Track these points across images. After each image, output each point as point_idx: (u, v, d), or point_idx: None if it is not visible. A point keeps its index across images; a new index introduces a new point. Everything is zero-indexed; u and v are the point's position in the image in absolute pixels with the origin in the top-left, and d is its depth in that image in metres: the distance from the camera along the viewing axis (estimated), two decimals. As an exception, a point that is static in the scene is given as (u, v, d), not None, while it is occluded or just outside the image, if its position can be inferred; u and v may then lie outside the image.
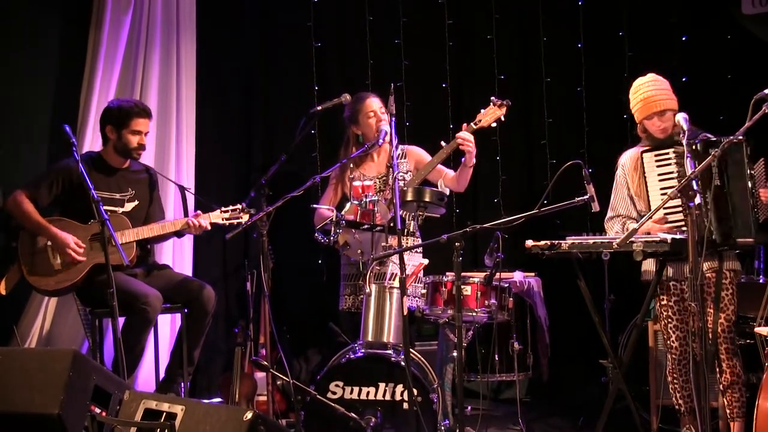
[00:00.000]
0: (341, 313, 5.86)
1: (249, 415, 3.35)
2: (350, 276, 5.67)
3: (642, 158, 4.80)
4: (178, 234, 5.48)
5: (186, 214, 5.53)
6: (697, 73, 6.68)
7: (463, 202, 6.93)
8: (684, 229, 4.42)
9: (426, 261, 5.39)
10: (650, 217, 4.31)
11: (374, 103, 5.64)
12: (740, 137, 4.23)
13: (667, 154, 4.68)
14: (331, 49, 7.12)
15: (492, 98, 5.43)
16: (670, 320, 4.80)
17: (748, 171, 4.44)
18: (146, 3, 6.35)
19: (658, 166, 4.72)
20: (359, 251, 5.22)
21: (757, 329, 4.26)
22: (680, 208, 4.54)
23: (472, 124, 5.40)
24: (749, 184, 4.46)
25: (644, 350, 5.56)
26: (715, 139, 4.50)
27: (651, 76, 4.86)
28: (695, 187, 3.95)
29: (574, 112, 7.09)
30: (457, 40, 7.17)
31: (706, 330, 4.07)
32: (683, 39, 6.85)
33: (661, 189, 4.67)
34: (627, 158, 4.99)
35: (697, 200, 3.93)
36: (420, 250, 5.60)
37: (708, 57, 6.75)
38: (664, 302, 4.82)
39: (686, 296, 4.61)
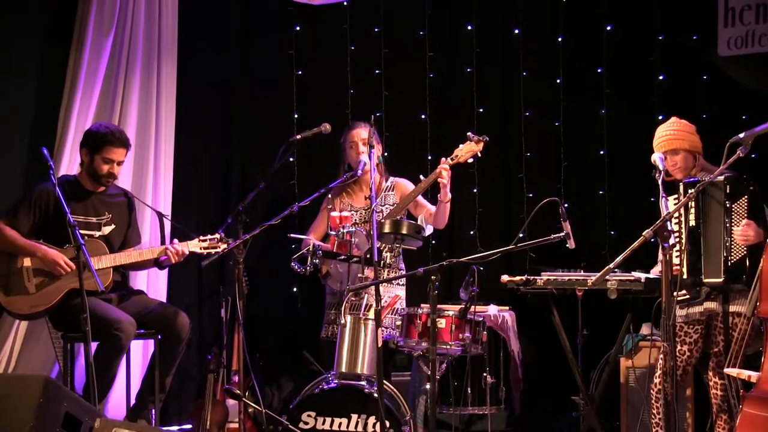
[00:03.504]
0: (321, 341, 5.85)
1: (220, 446, 3.35)
2: (332, 305, 5.68)
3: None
4: (159, 266, 5.45)
5: (164, 241, 5.51)
6: (673, 112, 6.70)
7: (440, 234, 6.93)
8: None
9: (401, 293, 5.42)
10: (625, 257, 4.34)
11: (358, 133, 5.66)
12: (719, 177, 4.30)
13: (678, 195, 4.74)
14: (312, 78, 7.14)
15: (469, 134, 5.45)
16: (662, 359, 4.79)
17: (724, 209, 4.51)
18: (128, 27, 6.35)
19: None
20: (339, 281, 5.23)
21: (726, 370, 4.28)
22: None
23: (449, 159, 5.42)
24: (724, 223, 4.53)
25: (616, 386, 5.59)
26: (697, 180, 4.59)
27: (673, 119, 5.00)
28: (669, 228, 4.00)
29: (552, 146, 7.12)
30: (438, 73, 7.21)
31: (675, 369, 4.10)
32: (660, 78, 6.93)
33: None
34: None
35: (671, 241, 3.96)
36: (400, 282, 5.62)
37: (684, 96, 6.81)
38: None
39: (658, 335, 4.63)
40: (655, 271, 4.94)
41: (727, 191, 4.55)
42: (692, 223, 4.63)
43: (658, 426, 4.81)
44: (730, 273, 4.52)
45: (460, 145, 5.45)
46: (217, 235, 5.36)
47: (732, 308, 4.64)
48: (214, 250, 5.29)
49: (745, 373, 4.07)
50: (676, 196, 4.75)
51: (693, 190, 4.48)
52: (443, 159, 5.43)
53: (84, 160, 5.39)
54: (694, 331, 4.77)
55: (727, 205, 4.56)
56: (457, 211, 7.04)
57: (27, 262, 5.15)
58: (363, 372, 4.89)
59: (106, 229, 5.42)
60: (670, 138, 4.87)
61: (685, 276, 4.54)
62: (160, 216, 5.66)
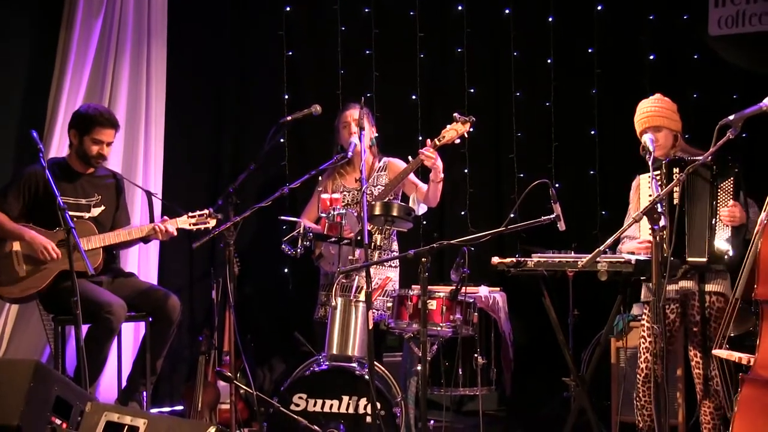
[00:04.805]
0: (314, 322, 5.85)
1: (212, 430, 3.35)
2: (326, 286, 5.67)
3: (639, 180, 4.88)
4: (145, 240, 5.44)
5: (152, 220, 5.50)
6: (663, 91, 6.71)
7: (431, 215, 6.93)
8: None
9: (393, 275, 5.41)
10: (615, 239, 4.33)
11: (351, 114, 5.61)
12: (708, 158, 4.29)
13: (658, 174, 4.70)
14: (302, 59, 7.11)
15: (455, 114, 5.41)
16: (644, 341, 4.79)
17: (711, 190, 4.51)
18: (117, 8, 6.33)
19: (650, 187, 4.75)
20: (331, 263, 5.23)
21: (715, 351, 4.28)
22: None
23: (435, 140, 5.40)
24: (711, 204, 4.52)
25: (606, 366, 5.61)
26: (681, 159, 4.57)
27: (657, 96, 4.92)
28: (660, 209, 3.99)
29: (543, 126, 7.12)
30: (428, 53, 7.18)
31: (666, 351, 4.11)
32: (651, 58, 6.92)
33: None
34: (634, 183, 5.02)
35: (662, 222, 3.96)
36: (392, 263, 5.62)
37: (675, 76, 6.82)
38: (645, 323, 4.79)
39: (649, 316, 4.64)
40: (627, 248, 4.91)
41: (714, 171, 4.54)
42: (676, 202, 4.62)
43: (643, 408, 4.81)
44: (713, 253, 4.52)
45: (447, 126, 5.43)
46: (205, 211, 5.36)
47: (708, 287, 4.62)
48: (203, 226, 5.29)
49: (735, 355, 4.07)
50: (657, 172, 4.70)
51: (678, 170, 4.48)
52: (429, 141, 5.40)
53: (73, 141, 5.37)
54: (671, 311, 4.77)
55: (714, 186, 4.55)
56: (448, 191, 7.03)
57: (16, 246, 5.12)
58: (354, 354, 4.89)
59: (96, 211, 5.41)
60: (654, 114, 4.81)
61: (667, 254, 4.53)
62: (149, 194, 5.64)
